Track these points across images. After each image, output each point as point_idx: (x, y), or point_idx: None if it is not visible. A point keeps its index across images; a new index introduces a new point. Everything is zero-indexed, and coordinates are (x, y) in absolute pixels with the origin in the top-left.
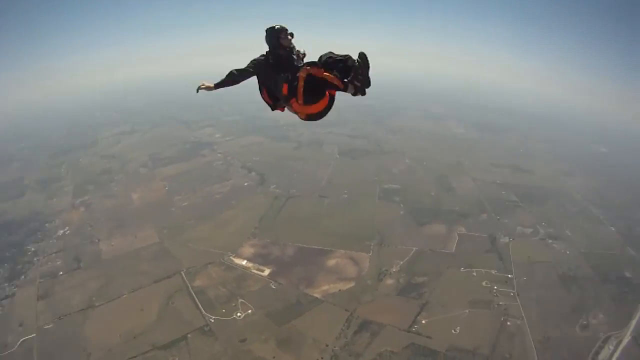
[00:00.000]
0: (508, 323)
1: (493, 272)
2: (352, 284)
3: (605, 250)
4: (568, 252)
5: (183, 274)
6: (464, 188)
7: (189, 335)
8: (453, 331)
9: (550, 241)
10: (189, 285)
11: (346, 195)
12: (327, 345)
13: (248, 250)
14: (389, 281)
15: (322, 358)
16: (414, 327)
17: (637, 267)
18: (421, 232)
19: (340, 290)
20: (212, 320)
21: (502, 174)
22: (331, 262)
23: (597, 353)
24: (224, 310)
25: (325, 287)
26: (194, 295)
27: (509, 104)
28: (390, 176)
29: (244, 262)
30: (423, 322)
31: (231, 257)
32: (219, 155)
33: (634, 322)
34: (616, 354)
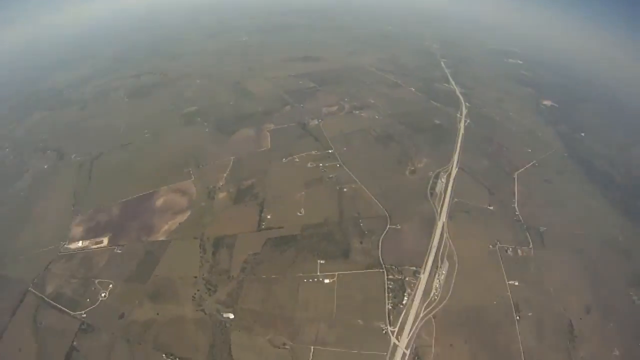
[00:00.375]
0: (344, 189)
1: (314, 152)
2: (188, 213)
3: (411, 107)
4: (377, 117)
5: (32, 290)
6: (261, 89)
7: (74, 343)
8: (299, 213)
9: (357, 112)
10: (43, 296)
11: (148, 135)
12: (195, 277)
13: (78, 230)
14: (221, 195)
15: (198, 290)
16: (263, 225)
17: (443, 115)
18: (233, 142)
19: (180, 223)
20: (85, 316)
21: (295, 66)
22: (159, 202)
23: (432, 188)
24: (88, 300)
25: (165, 227)
26: (53, 302)
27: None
28: (186, 101)
29: (80, 244)
30: (268, 217)
31: (66, 246)
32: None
33: (455, 157)
34: (450, 183)
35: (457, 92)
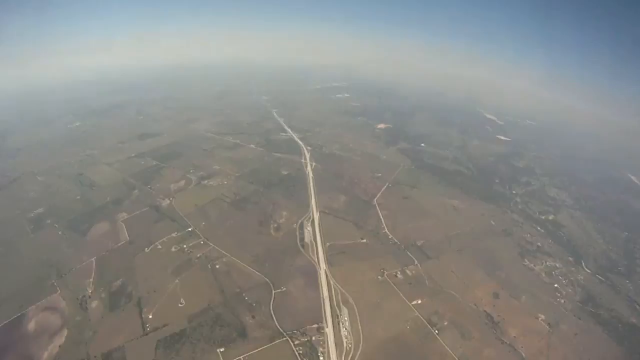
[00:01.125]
0: (217, 266)
1: (174, 235)
2: (65, 332)
3: (256, 164)
4: (225, 182)
5: None
6: (104, 176)
7: None
8: (180, 304)
9: (205, 182)
10: None
11: None
12: None
13: None
14: (94, 304)
15: None
16: (148, 327)
17: (288, 164)
18: (90, 240)
19: (60, 346)
20: None
21: (134, 146)
22: (31, 326)
23: (302, 239)
24: None
25: (46, 355)
26: None
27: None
28: (31, 202)
29: None
30: (150, 317)
31: None
32: None
33: (313, 202)
34: (317, 229)
35: (296, 138)
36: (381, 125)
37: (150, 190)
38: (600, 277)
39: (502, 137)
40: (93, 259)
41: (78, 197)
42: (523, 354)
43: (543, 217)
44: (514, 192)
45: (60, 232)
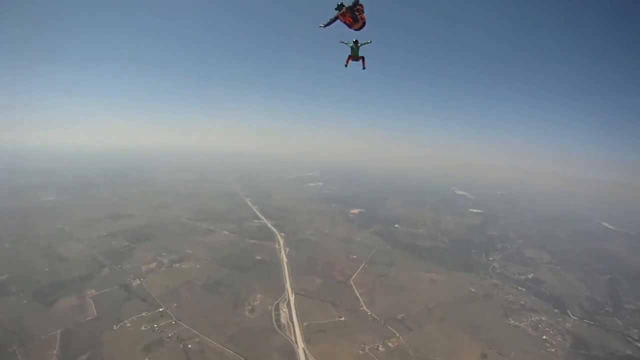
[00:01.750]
0: (189, 346)
1: (144, 314)
2: None
3: (229, 249)
4: (198, 266)
5: None
6: (74, 252)
7: None
8: None
9: (177, 265)
10: None
11: None
12: None
13: None
14: None
15: None
16: None
17: (262, 249)
18: (56, 312)
19: None
20: None
21: (106, 225)
22: None
23: (278, 320)
24: None
25: None
26: None
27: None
28: None
29: None
30: None
31: None
32: None
33: (288, 285)
34: (293, 310)
35: (269, 225)
36: (355, 211)
37: (120, 269)
38: (588, 321)
39: (475, 210)
40: (58, 332)
41: (46, 269)
42: None
43: (523, 277)
44: (490, 258)
45: (25, 301)
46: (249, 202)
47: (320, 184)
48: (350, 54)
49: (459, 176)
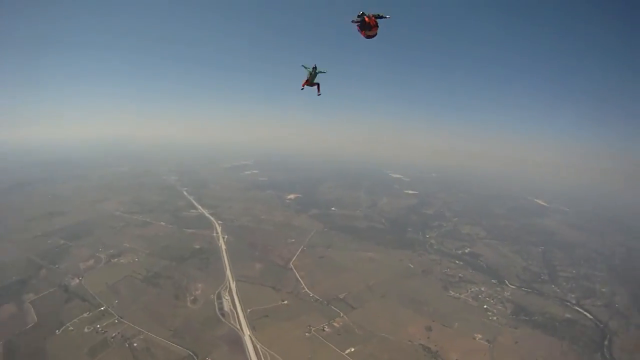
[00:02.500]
0: (135, 344)
1: (86, 315)
2: None
3: (167, 241)
4: (137, 259)
5: None
6: (8, 255)
7: None
8: None
9: (115, 260)
10: None
11: None
12: None
13: None
14: None
15: None
16: None
17: (200, 238)
18: None
19: None
20: None
21: (41, 225)
22: None
23: (221, 308)
24: None
25: None
26: None
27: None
28: None
29: None
30: None
31: None
32: None
33: (228, 272)
34: (235, 297)
35: (207, 214)
36: (291, 196)
37: (58, 269)
38: (526, 289)
39: (410, 191)
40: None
41: None
42: None
43: (459, 252)
44: (427, 236)
45: None
46: (185, 192)
47: (256, 171)
48: (307, 78)
49: (394, 160)
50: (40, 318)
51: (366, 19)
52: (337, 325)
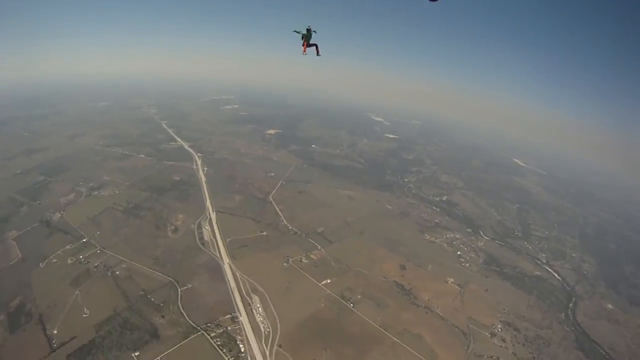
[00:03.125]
0: (117, 272)
1: (68, 247)
2: None
3: (146, 172)
4: (117, 192)
5: None
6: None
7: None
8: (84, 315)
9: (96, 193)
10: None
11: None
12: None
13: None
14: None
15: None
16: (54, 343)
17: (180, 170)
18: None
19: None
20: None
21: (19, 162)
22: None
23: (201, 238)
24: None
25: None
26: None
27: None
28: None
29: None
30: (55, 332)
31: None
32: None
33: (208, 203)
34: (215, 227)
35: (186, 147)
36: (271, 131)
37: (39, 205)
38: (499, 242)
39: (390, 135)
40: None
41: None
42: (440, 313)
43: (437, 199)
44: (406, 180)
45: None
46: (164, 125)
47: (237, 106)
48: (304, 41)
49: (377, 103)
50: (24, 253)
51: None
52: (315, 258)
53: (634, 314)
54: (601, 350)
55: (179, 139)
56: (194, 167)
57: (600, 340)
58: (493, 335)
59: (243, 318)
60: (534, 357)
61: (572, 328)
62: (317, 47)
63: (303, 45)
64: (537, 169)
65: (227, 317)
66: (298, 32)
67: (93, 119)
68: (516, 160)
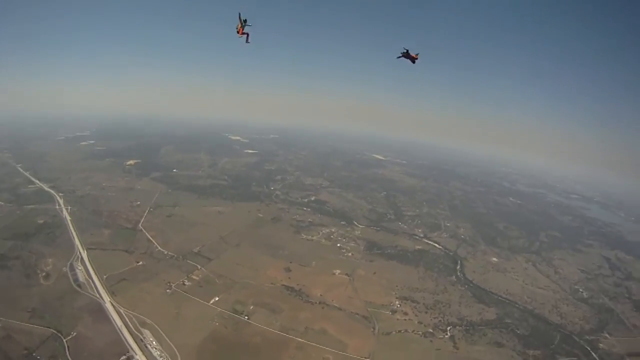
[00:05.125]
0: None
1: None
2: None
3: (7, 220)
4: None
5: None
6: None
7: None
8: None
9: None
10: None
11: None
12: None
13: None
14: None
15: None
16: None
17: (43, 213)
18: None
19: None
20: None
21: None
22: None
23: (76, 279)
24: None
25: None
26: None
27: None
28: None
29: None
30: None
31: None
32: None
33: (77, 242)
34: (88, 266)
35: (46, 188)
36: (130, 162)
37: None
38: (375, 227)
39: (250, 151)
40: None
41: None
42: (336, 305)
43: (306, 200)
44: (272, 188)
45: None
46: (20, 169)
47: (93, 141)
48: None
49: (231, 123)
50: None
51: None
52: (197, 278)
53: (518, 260)
54: (499, 297)
55: (37, 181)
56: (57, 207)
57: (495, 289)
58: (394, 312)
59: (139, 356)
60: (439, 320)
61: (466, 286)
62: (248, 36)
63: (239, 30)
64: (397, 159)
65: (122, 358)
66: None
67: None
68: (376, 156)
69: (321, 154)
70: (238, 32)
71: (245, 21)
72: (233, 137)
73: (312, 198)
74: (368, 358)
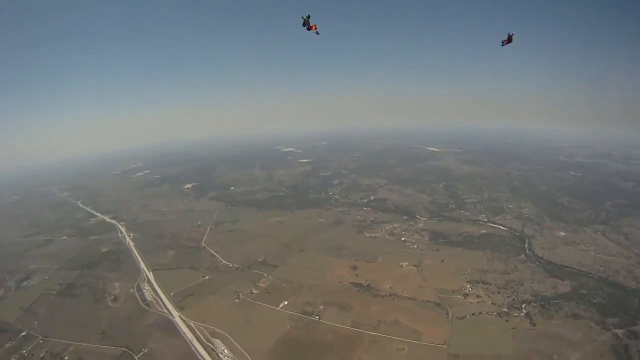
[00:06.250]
0: (66, 358)
1: (8, 345)
2: None
3: (74, 252)
4: (46, 277)
5: None
6: None
7: None
8: None
9: (24, 283)
10: None
11: None
12: None
13: None
14: None
15: None
16: None
17: (107, 242)
18: None
19: None
20: None
21: None
22: None
23: (144, 299)
24: None
25: None
26: None
27: None
28: None
29: None
30: None
31: None
32: None
33: (142, 265)
34: (155, 285)
35: (108, 219)
36: (188, 185)
37: None
38: (437, 218)
39: (304, 160)
40: None
41: None
42: (407, 295)
43: (365, 200)
44: (330, 193)
45: None
46: (80, 205)
47: (148, 171)
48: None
49: (282, 135)
50: None
51: None
52: (264, 286)
53: (586, 232)
54: (572, 270)
55: (99, 214)
56: (120, 235)
57: (567, 262)
58: (466, 296)
59: None
60: (512, 299)
61: (537, 263)
62: (315, 27)
63: (310, 26)
64: (451, 149)
65: None
66: (303, 18)
67: (6, 212)
68: (430, 148)
69: (374, 153)
70: (311, 28)
71: (308, 17)
72: (285, 149)
73: (372, 197)
74: (444, 344)
